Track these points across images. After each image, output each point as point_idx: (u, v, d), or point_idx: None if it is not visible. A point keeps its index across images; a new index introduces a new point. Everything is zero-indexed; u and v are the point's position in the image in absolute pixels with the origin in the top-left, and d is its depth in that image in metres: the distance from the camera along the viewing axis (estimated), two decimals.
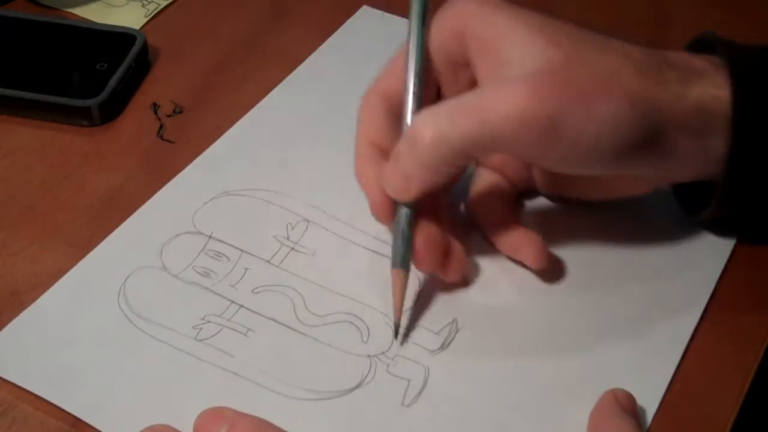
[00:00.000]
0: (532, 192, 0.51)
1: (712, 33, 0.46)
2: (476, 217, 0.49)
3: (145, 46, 0.58)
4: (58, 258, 0.48)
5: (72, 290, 0.46)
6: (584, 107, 0.40)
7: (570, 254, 0.48)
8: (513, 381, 0.43)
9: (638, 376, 0.43)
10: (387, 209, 0.45)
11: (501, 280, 0.47)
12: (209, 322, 0.45)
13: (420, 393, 0.42)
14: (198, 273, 0.47)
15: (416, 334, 0.45)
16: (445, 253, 0.45)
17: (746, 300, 0.47)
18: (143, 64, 0.59)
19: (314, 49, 0.60)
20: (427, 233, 0.45)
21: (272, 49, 0.60)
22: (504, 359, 0.44)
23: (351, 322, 0.45)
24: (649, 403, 0.42)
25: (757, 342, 0.45)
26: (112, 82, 0.55)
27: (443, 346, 0.44)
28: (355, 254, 0.48)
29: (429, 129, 0.42)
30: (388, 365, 0.43)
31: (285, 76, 0.58)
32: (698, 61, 0.44)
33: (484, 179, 0.49)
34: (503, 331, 0.45)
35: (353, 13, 0.62)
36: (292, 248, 0.48)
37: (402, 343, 0.44)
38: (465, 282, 0.47)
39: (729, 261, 0.48)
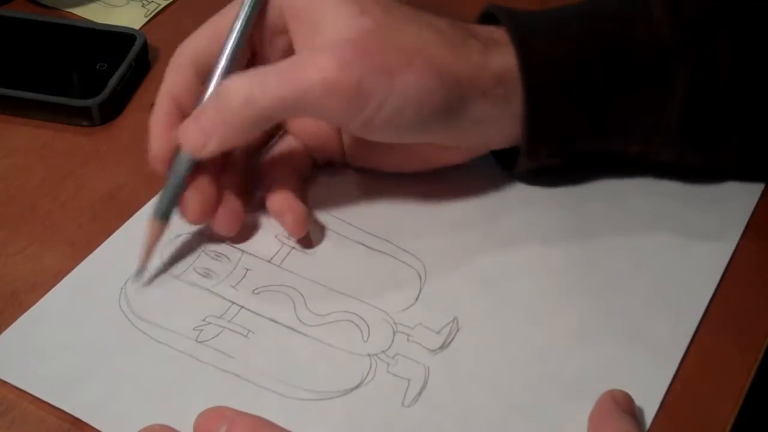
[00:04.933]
0: (338, 163, 0.51)
1: (496, 5, 0.48)
2: (261, 176, 0.49)
3: (145, 46, 0.58)
4: (58, 258, 0.48)
5: (73, 292, 0.46)
6: (388, 77, 0.43)
7: (570, 254, 0.48)
8: (513, 381, 0.43)
9: (638, 376, 0.43)
10: (168, 163, 0.46)
11: (501, 280, 0.47)
12: (210, 323, 0.45)
13: (420, 393, 0.42)
14: (198, 274, 0.47)
15: (417, 333, 0.45)
16: (212, 207, 0.47)
17: (746, 300, 0.47)
18: (143, 64, 0.59)
19: None
20: (201, 184, 0.46)
21: None
22: (504, 359, 0.44)
23: (351, 321, 0.45)
24: (649, 403, 0.42)
25: (757, 342, 0.45)
26: (112, 82, 0.55)
27: (444, 346, 0.44)
28: (356, 253, 0.48)
29: (239, 90, 0.43)
30: (388, 364, 0.43)
31: None
32: (498, 33, 0.46)
33: (282, 142, 0.51)
34: (503, 331, 0.45)
35: None
36: (293, 248, 0.48)
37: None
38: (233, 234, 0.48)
39: (730, 261, 0.48)
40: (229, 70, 0.46)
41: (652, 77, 0.46)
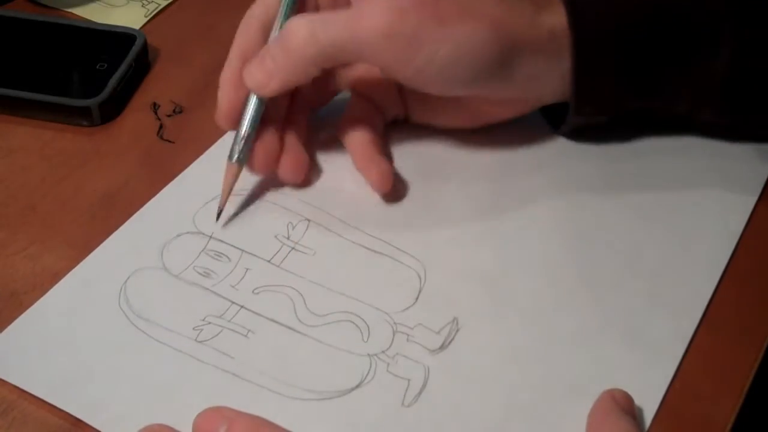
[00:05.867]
0: (401, 120, 0.54)
1: None
2: (343, 138, 0.52)
3: (145, 46, 0.58)
4: (58, 258, 0.48)
5: (73, 291, 0.46)
6: (442, 26, 0.45)
7: (570, 254, 0.48)
8: (513, 381, 0.43)
9: (638, 376, 0.43)
10: (235, 115, 0.49)
11: (501, 280, 0.47)
12: (210, 323, 0.45)
13: (420, 393, 0.42)
14: (198, 273, 0.47)
15: (417, 333, 0.45)
16: (276, 156, 0.50)
17: (746, 300, 0.47)
18: (143, 64, 0.59)
19: None
20: (267, 134, 0.49)
21: None
22: (504, 359, 0.44)
23: (351, 321, 0.45)
24: (649, 403, 0.42)
25: (757, 342, 0.45)
26: (112, 82, 0.55)
27: (443, 346, 0.44)
28: (356, 253, 0.48)
29: (302, 28, 0.46)
30: (388, 364, 0.43)
31: None
32: None
33: (354, 103, 0.52)
34: (503, 331, 0.45)
35: None
36: (293, 248, 0.48)
37: (409, 340, 0.44)
38: (306, 182, 0.51)
39: (730, 261, 0.48)
40: (288, 17, 0.48)
41: (698, 39, 0.48)
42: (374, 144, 0.51)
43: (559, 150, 0.53)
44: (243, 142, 0.49)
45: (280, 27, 0.48)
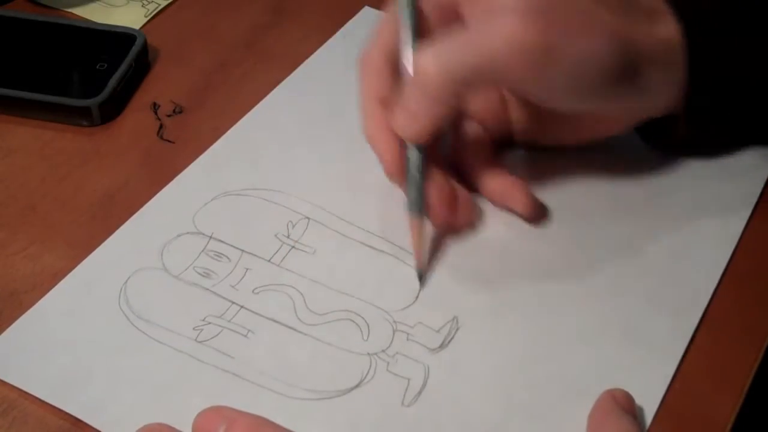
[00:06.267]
0: (509, 142, 0.52)
1: None
2: (463, 167, 0.50)
3: (145, 46, 0.58)
4: (58, 258, 0.48)
5: (73, 292, 0.46)
6: (572, 39, 0.43)
7: (570, 254, 0.48)
8: (513, 380, 0.43)
9: (638, 376, 0.43)
10: (399, 165, 0.47)
11: (501, 279, 0.47)
12: (210, 323, 0.45)
13: (420, 392, 0.42)
14: (198, 274, 0.47)
15: (417, 332, 0.45)
16: (454, 199, 0.47)
17: (746, 300, 0.47)
18: (143, 64, 0.59)
19: (315, 49, 0.60)
20: (437, 180, 0.47)
21: (272, 49, 0.60)
22: (504, 358, 0.44)
23: (351, 320, 0.45)
24: (649, 402, 0.42)
25: (757, 342, 0.45)
26: (112, 82, 0.55)
27: (443, 345, 0.44)
28: (356, 252, 0.48)
29: (432, 61, 0.44)
30: (388, 363, 0.43)
31: (285, 77, 0.58)
32: (656, 2, 0.47)
33: (465, 129, 0.51)
34: (503, 330, 0.45)
35: (354, 13, 0.62)
36: (293, 246, 0.48)
37: (408, 339, 0.44)
38: (472, 226, 0.48)
39: (730, 261, 0.48)
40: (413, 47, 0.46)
41: None
42: (503, 169, 0.49)
43: (558, 151, 0.53)
44: (415, 192, 0.46)
45: (409, 62, 0.46)
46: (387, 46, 0.48)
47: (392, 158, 0.47)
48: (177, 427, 0.39)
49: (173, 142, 0.54)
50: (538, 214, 0.49)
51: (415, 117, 0.45)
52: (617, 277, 0.47)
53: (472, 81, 0.45)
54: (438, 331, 0.45)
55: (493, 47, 0.43)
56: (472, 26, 0.45)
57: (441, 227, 0.48)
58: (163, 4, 0.64)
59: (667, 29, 0.46)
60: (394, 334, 0.44)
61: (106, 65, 0.57)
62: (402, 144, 0.47)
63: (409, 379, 0.43)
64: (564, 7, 0.44)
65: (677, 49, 0.46)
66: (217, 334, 0.44)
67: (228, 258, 0.48)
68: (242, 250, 0.48)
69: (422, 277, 0.46)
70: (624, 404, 0.41)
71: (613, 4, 0.45)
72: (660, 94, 0.48)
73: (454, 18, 0.47)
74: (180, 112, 0.56)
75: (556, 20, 0.43)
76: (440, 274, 0.47)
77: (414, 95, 0.45)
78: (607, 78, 0.45)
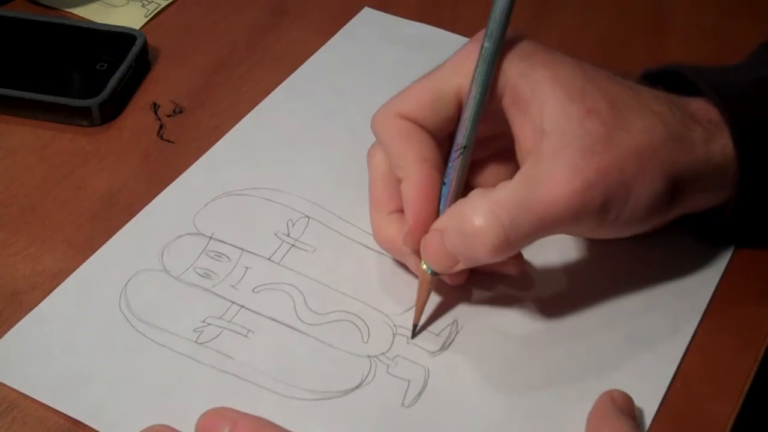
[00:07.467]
0: None
1: (692, 70, 0.47)
2: None
3: (145, 46, 0.58)
4: (58, 258, 0.48)
5: (73, 295, 0.46)
6: (627, 189, 0.42)
7: (570, 254, 0.48)
8: (513, 381, 0.43)
9: (638, 376, 0.43)
10: (419, 238, 0.44)
11: (500, 281, 0.47)
12: (210, 324, 0.45)
13: (420, 394, 0.42)
14: (199, 274, 0.47)
15: (417, 336, 0.45)
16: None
17: (746, 300, 0.47)
18: (143, 64, 0.59)
19: (315, 49, 0.60)
20: None
21: (272, 49, 0.60)
22: (504, 360, 0.44)
23: (351, 322, 0.45)
24: (649, 403, 0.42)
25: (757, 342, 0.45)
26: (112, 82, 0.55)
27: (443, 347, 0.44)
28: (356, 251, 0.48)
29: (492, 231, 0.41)
30: (388, 366, 0.43)
31: (285, 77, 0.58)
32: (712, 112, 0.45)
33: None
34: (503, 332, 0.45)
35: (354, 14, 0.62)
36: (293, 245, 0.48)
37: (408, 342, 0.44)
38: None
39: (729, 261, 0.48)
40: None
41: None
42: None
43: None
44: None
45: (451, 200, 0.44)
46: (406, 111, 0.45)
47: (417, 262, 0.45)
48: (178, 428, 0.39)
49: (173, 142, 0.54)
50: (524, 270, 0.46)
51: (452, 259, 0.43)
52: (617, 278, 0.47)
53: (525, 242, 0.42)
54: (438, 335, 0.45)
55: (554, 214, 0.41)
56: (529, 184, 0.42)
57: (454, 284, 0.46)
58: (163, 4, 0.64)
59: (723, 150, 0.44)
60: (394, 337, 0.44)
61: (106, 65, 0.57)
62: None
63: (409, 381, 0.43)
64: (618, 153, 0.42)
65: (731, 172, 0.45)
66: (218, 336, 0.44)
67: (228, 257, 0.48)
68: (242, 249, 0.48)
69: (416, 328, 0.45)
70: (622, 406, 0.41)
71: (669, 125, 0.43)
72: (704, 205, 0.46)
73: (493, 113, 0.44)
74: (180, 112, 0.56)
75: (611, 176, 0.41)
76: (440, 278, 0.47)
77: (458, 245, 0.42)
78: (657, 212, 0.44)
